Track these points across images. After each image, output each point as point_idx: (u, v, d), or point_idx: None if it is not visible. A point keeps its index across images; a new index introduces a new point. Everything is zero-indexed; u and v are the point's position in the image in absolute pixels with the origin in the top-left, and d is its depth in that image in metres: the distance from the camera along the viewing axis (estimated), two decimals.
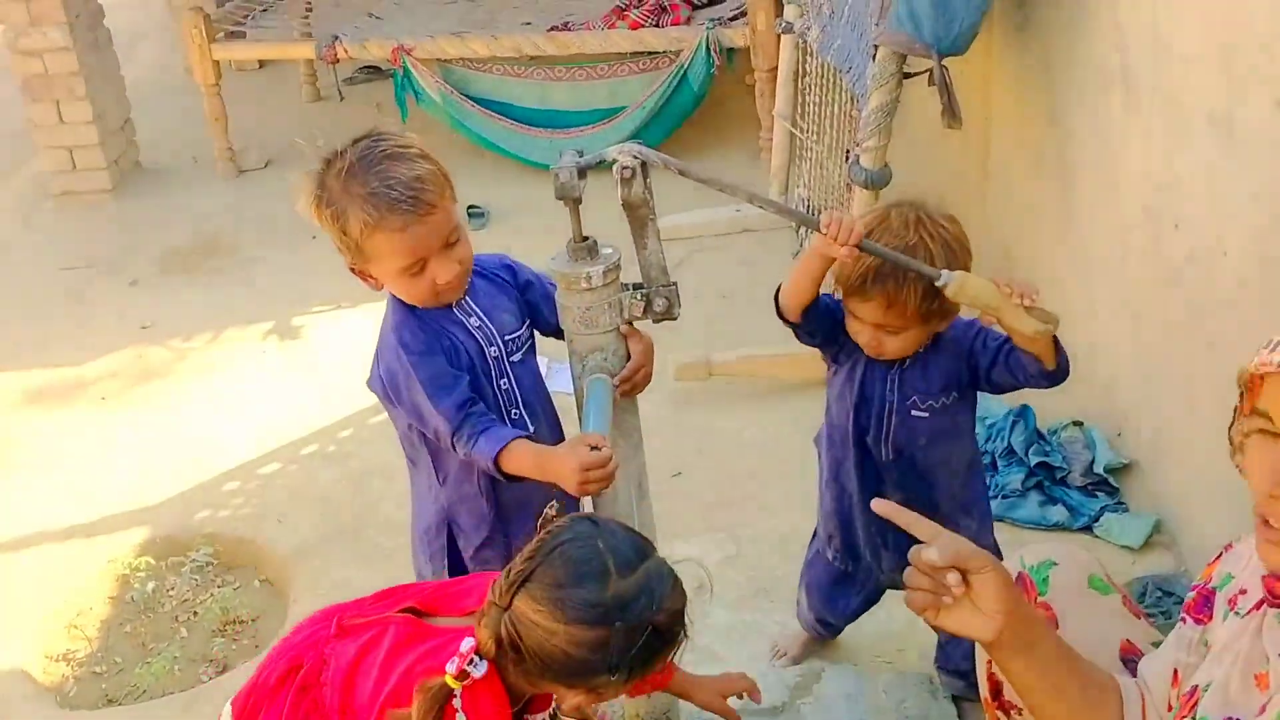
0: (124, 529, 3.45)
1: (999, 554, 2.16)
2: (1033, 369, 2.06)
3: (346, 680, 1.71)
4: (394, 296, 2.08)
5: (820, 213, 4.29)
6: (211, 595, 3.22)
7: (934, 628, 2.36)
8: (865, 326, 2.11)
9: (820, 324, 2.21)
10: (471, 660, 1.61)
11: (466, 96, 5.56)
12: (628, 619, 1.55)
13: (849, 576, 2.45)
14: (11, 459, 3.85)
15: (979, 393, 2.25)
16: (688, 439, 3.56)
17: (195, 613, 3.15)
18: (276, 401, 4.05)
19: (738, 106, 5.70)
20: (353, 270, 2.04)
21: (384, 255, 1.96)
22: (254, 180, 5.88)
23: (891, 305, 2.04)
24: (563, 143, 5.53)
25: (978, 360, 2.16)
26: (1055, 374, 2.07)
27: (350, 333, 4.43)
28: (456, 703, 1.61)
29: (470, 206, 5.35)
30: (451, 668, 1.59)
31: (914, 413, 2.19)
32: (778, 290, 2.21)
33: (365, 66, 7.02)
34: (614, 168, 1.86)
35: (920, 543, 1.48)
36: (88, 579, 3.29)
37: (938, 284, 1.93)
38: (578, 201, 1.89)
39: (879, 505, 1.54)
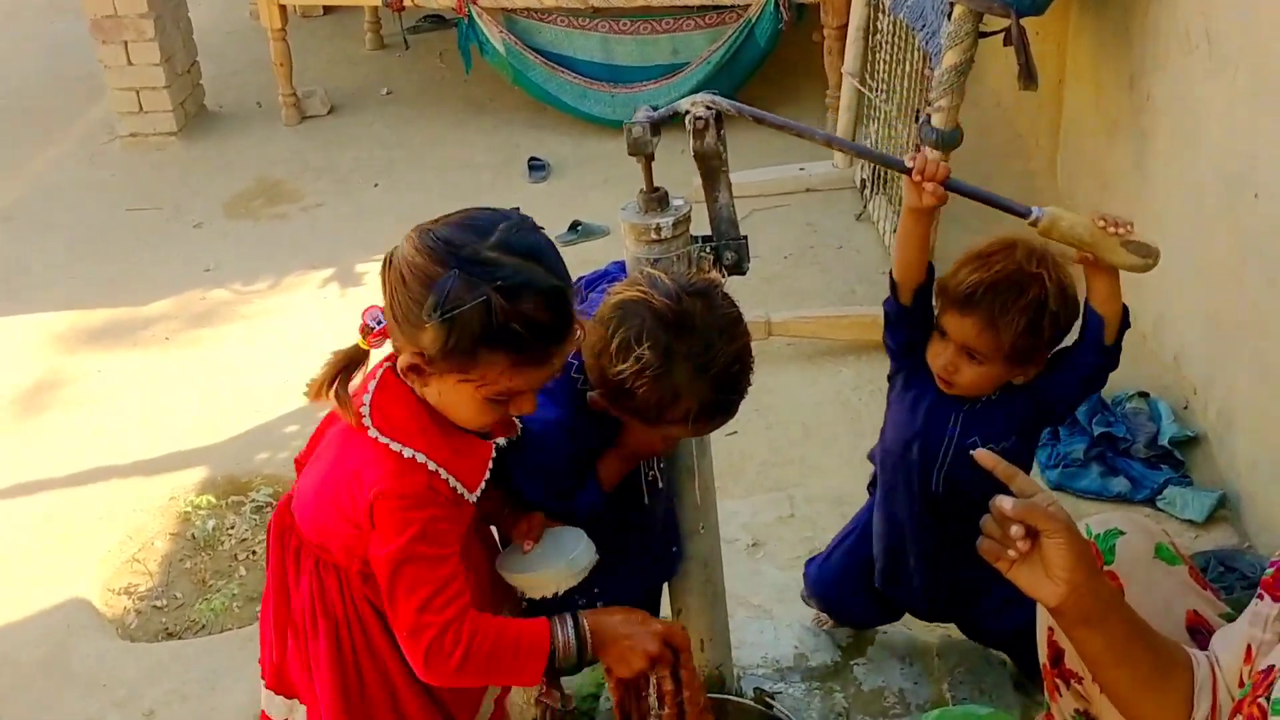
0: (185, 467, 3.50)
1: None
2: (1093, 335, 2.00)
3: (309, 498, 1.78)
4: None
5: (884, 170, 4.26)
6: None
7: (971, 637, 2.37)
8: (948, 348, 2.02)
9: (920, 319, 2.11)
10: (375, 316, 1.65)
11: (530, 48, 5.54)
12: (469, 272, 1.52)
13: (882, 598, 2.39)
14: (77, 396, 3.91)
15: None
16: (746, 398, 3.54)
17: (254, 552, 3.19)
18: (336, 347, 4.07)
19: (804, 64, 5.63)
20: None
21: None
22: (318, 126, 5.90)
23: (990, 326, 1.96)
24: (624, 97, 5.50)
25: (1044, 391, 2.08)
26: (1110, 353, 2.02)
27: None
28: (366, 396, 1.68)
29: (531, 159, 5.34)
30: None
31: (972, 453, 2.12)
32: (891, 273, 2.13)
33: (429, 15, 6.99)
34: (686, 118, 1.83)
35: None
36: (150, 515, 3.35)
37: (1028, 220, 1.88)
38: (650, 158, 1.87)
39: (981, 455, 1.52)
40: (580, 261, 4.67)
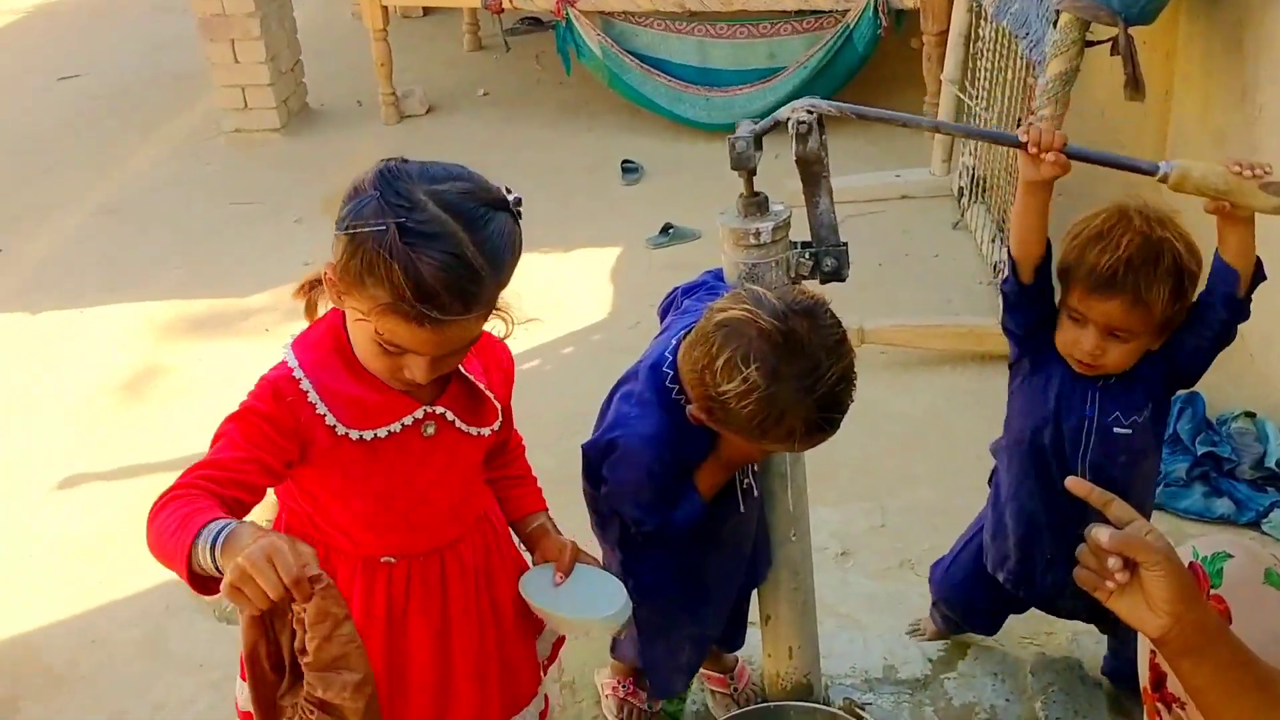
0: None
1: None
2: (1225, 290, 1.92)
3: None
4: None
5: (982, 179, 4.19)
6: None
7: (1103, 630, 2.32)
8: (1090, 332, 1.95)
9: (1042, 298, 2.05)
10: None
11: (626, 51, 5.56)
12: (387, 201, 1.47)
13: (1010, 596, 2.32)
14: (178, 383, 4.01)
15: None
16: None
17: None
18: None
19: (902, 70, 5.57)
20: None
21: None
22: (415, 126, 5.99)
23: (1137, 304, 1.89)
24: (719, 101, 5.50)
25: (1176, 354, 2.01)
26: (1242, 306, 1.94)
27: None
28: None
29: (625, 161, 5.36)
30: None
31: (1115, 429, 2.04)
32: (1009, 253, 2.06)
33: (527, 18, 7.07)
34: (789, 123, 1.82)
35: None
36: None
37: (1157, 177, 1.83)
38: (753, 173, 1.86)
39: (1073, 484, 1.48)
40: (669, 264, 4.72)
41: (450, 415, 1.72)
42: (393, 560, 1.78)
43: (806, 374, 1.65)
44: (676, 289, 2.07)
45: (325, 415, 1.63)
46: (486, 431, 1.77)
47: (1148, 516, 2.15)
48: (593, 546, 2.22)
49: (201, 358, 4.15)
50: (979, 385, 3.53)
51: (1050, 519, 2.15)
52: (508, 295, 1.65)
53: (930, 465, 3.23)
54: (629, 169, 5.32)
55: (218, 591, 1.36)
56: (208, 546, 1.38)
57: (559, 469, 3.47)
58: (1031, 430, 2.11)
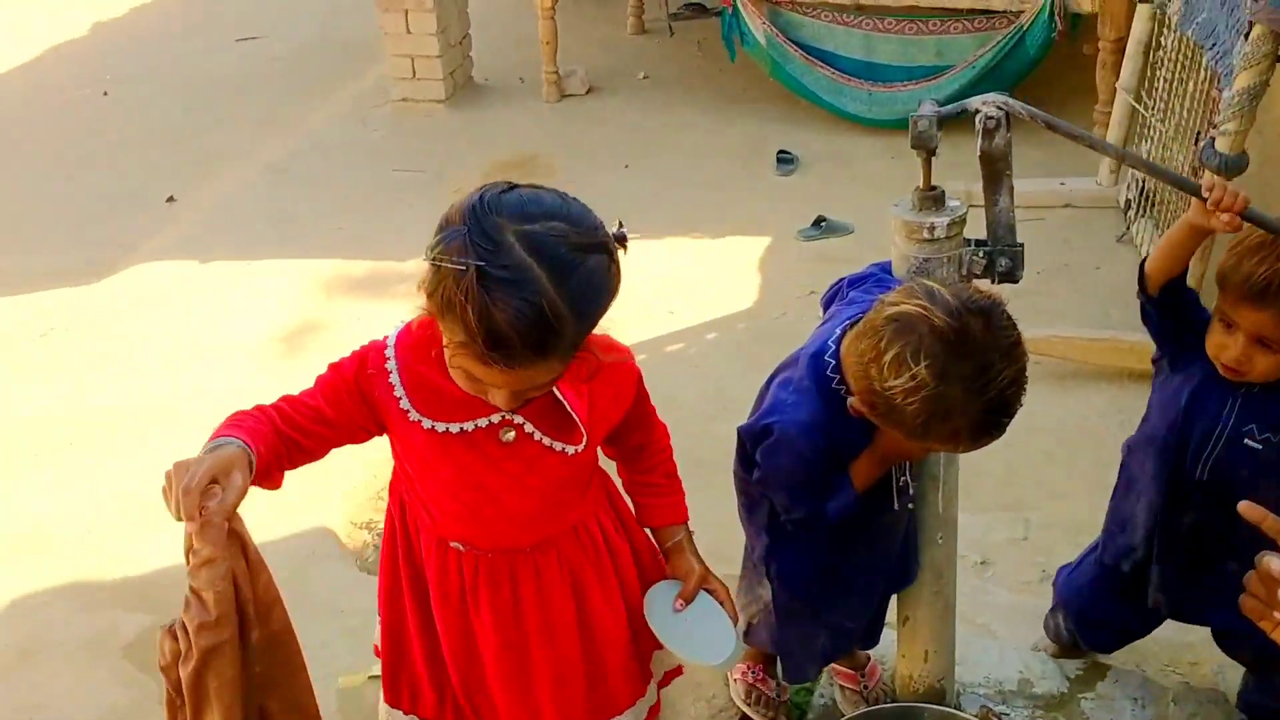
0: None
1: None
2: None
3: None
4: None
5: (1151, 192, 4.06)
6: None
7: (1243, 664, 2.24)
8: (1238, 339, 1.93)
9: (1175, 310, 2.06)
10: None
11: (791, 41, 5.53)
12: (474, 240, 1.43)
13: (1134, 594, 2.29)
14: (335, 340, 4.14)
15: None
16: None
17: None
18: None
19: (1073, 77, 5.42)
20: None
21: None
22: (575, 105, 6.06)
23: None
24: (881, 96, 5.43)
25: None
26: None
27: (653, 264, 4.52)
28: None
29: (781, 152, 5.34)
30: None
31: (1247, 442, 2.01)
32: (1142, 262, 2.09)
33: (691, 3, 7.09)
34: (977, 118, 1.79)
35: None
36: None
37: None
38: (932, 153, 1.83)
39: (1247, 509, 1.43)
40: (819, 257, 4.68)
41: (530, 427, 1.68)
42: (461, 548, 1.79)
43: (977, 375, 1.62)
44: (842, 280, 2.05)
45: (401, 398, 1.66)
46: (571, 450, 1.71)
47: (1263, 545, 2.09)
48: (728, 530, 2.22)
49: (359, 317, 4.27)
50: (1135, 402, 3.40)
51: (1165, 516, 2.14)
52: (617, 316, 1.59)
53: (1078, 480, 3.15)
54: (784, 159, 5.30)
55: None
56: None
57: (694, 452, 3.48)
58: (1166, 426, 2.10)
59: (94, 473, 3.51)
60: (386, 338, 1.69)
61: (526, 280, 1.42)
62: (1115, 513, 2.30)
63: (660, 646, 1.93)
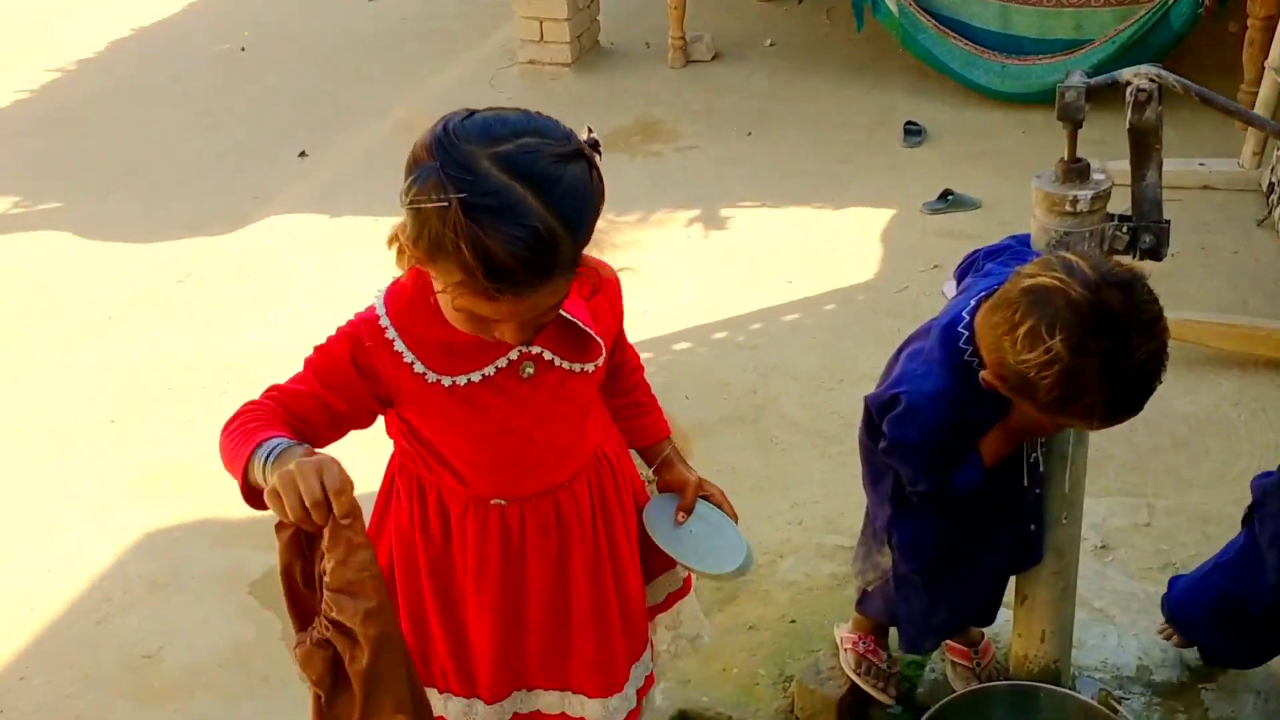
0: None
1: None
2: None
3: None
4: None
5: None
6: None
7: None
8: None
9: None
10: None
11: (924, 10, 5.42)
12: (448, 173, 1.35)
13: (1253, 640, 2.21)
14: None
15: None
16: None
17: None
18: (694, 285, 4.20)
19: (1217, 54, 5.22)
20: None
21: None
22: (700, 71, 6.04)
23: None
24: (1015, 69, 5.31)
25: None
26: None
27: (772, 233, 4.50)
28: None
29: (908, 123, 5.26)
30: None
31: None
32: None
33: None
34: (1127, 90, 1.75)
35: None
36: None
37: None
38: (1079, 124, 1.79)
39: None
40: (945, 231, 4.63)
41: (549, 355, 1.63)
42: (504, 503, 1.71)
43: (1115, 350, 1.58)
44: (978, 251, 2.02)
45: (414, 363, 1.57)
46: (591, 367, 1.67)
47: None
48: (846, 499, 2.22)
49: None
50: (1270, 392, 3.33)
51: None
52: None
53: (1206, 469, 3.07)
54: (912, 131, 5.21)
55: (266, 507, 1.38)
56: (262, 461, 1.40)
57: (810, 422, 3.51)
58: None
59: (225, 415, 3.63)
60: (373, 307, 1.59)
61: (513, 203, 1.35)
62: (1245, 560, 2.18)
63: (669, 565, 1.89)
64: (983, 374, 1.75)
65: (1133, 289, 1.61)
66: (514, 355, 1.60)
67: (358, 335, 1.58)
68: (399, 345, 1.57)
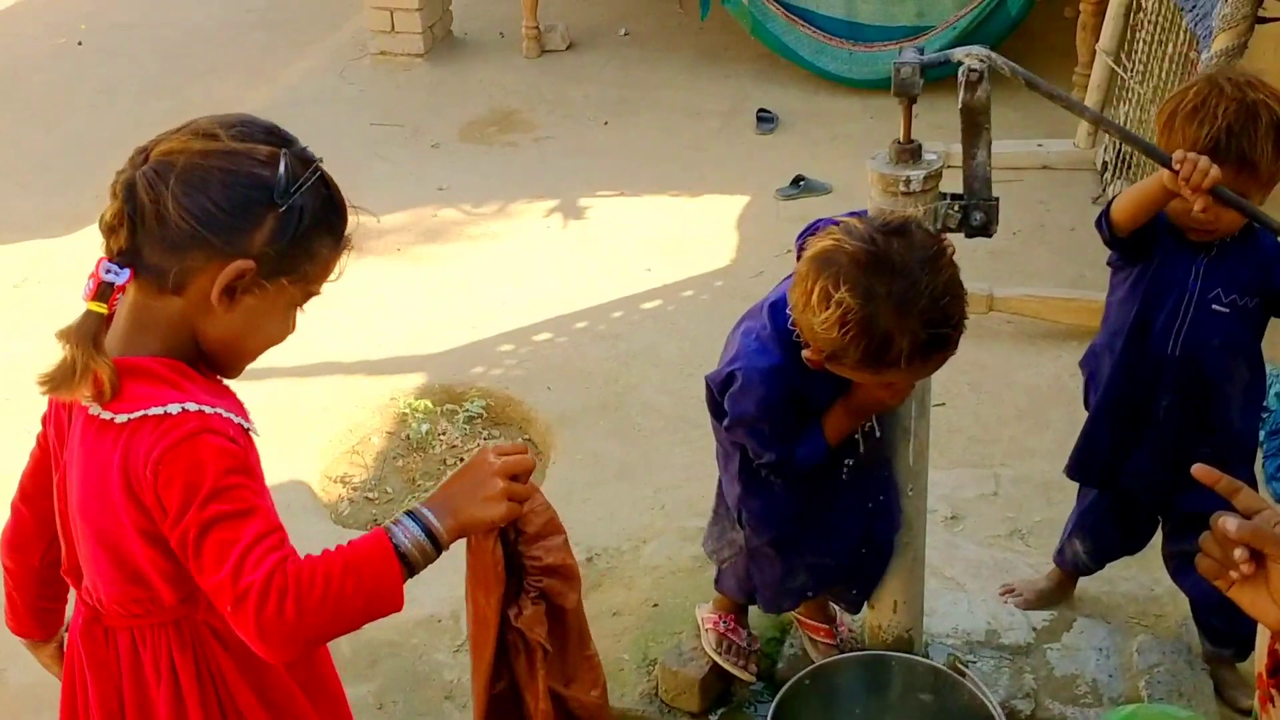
0: (405, 372, 3.67)
1: None
2: None
3: None
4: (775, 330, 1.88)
5: (1129, 155, 4.08)
6: (478, 445, 3.39)
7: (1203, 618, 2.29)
8: (1203, 194, 1.95)
9: (1145, 236, 2.14)
10: (108, 269, 1.34)
11: None
12: (293, 150, 1.39)
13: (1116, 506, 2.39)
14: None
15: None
16: (957, 371, 3.48)
17: (462, 459, 3.33)
18: (554, 275, 4.19)
19: (1053, 39, 5.43)
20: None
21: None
22: (555, 61, 6.02)
23: (1244, 167, 1.97)
24: (862, 56, 5.43)
25: (1273, 279, 2.11)
26: None
27: (631, 220, 4.52)
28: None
29: (761, 110, 5.33)
30: (85, 290, 1.35)
31: (1214, 307, 2.12)
32: (1107, 205, 2.17)
33: None
34: (960, 70, 1.80)
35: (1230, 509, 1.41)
36: (369, 413, 3.52)
37: None
38: (913, 100, 1.84)
39: (1200, 471, 1.45)
40: (798, 216, 4.69)
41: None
42: None
43: (903, 291, 1.64)
44: (803, 233, 2.06)
45: (240, 421, 1.41)
46: None
47: (1241, 435, 2.21)
48: (708, 484, 2.24)
49: (336, 269, 4.24)
50: None
51: (1150, 406, 2.21)
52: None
53: (1049, 439, 3.18)
54: (764, 118, 5.29)
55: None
56: (421, 540, 1.39)
57: (674, 408, 3.54)
58: (1133, 316, 2.18)
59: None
60: (165, 414, 1.34)
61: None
62: (1085, 431, 2.39)
63: None
64: (805, 353, 1.79)
65: (907, 232, 1.68)
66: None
67: (224, 443, 1.37)
68: (236, 418, 1.41)
